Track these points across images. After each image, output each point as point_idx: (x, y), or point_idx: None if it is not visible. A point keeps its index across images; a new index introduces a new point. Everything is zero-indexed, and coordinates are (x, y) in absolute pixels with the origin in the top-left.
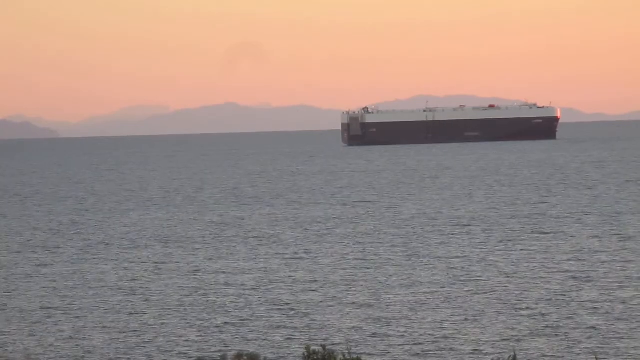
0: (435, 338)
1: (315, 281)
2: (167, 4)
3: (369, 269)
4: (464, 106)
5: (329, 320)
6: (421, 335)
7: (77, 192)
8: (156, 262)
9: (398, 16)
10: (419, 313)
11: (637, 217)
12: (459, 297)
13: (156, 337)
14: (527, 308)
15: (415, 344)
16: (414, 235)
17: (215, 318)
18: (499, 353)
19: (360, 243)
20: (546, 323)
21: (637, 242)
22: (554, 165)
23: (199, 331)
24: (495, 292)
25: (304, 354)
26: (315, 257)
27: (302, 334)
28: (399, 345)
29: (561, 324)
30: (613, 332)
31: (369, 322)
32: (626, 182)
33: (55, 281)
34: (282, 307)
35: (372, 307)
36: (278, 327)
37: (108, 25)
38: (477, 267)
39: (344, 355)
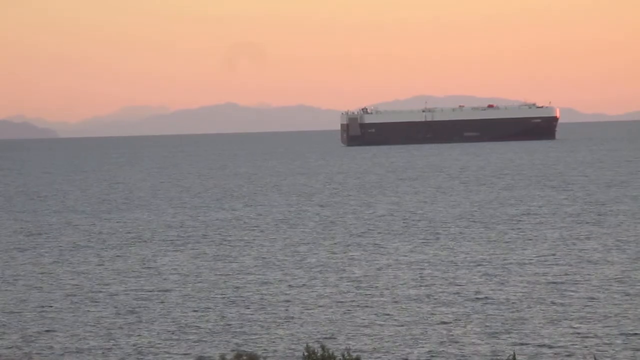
0: (435, 338)
1: (314, 281)
2: (167, 4)
3: (368, 268)
4: (463, 106)
5: (328, 320)
6: (420, 335)
7: (61, 192)
8: (153, 263)
9: (398, 16)
10: (418, 313)
11: (624, 218)
12: (458, 296)
13: (155, 337)
14: (527, 307)
15: (414, 344)
16: (411, 235)
17: (214, 318)
18: (499, 353)
19: (358, 243)
20: (545, 323)
21: (626, 241)
22: (546, 165)
23: (199, 331)
24: (495, 291)
25: (303, 353)
26: (314, 256)
27: (302, 334)
28: (399, 345)
29: (560, 324)
30: (612, 332)
31: (369, 322)
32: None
33: (48, 281)
34: (281, 307)
35: (372, 307)
36: (277, 327)
37: (108, 25)
38: (475, 267)
39: (343, 355)
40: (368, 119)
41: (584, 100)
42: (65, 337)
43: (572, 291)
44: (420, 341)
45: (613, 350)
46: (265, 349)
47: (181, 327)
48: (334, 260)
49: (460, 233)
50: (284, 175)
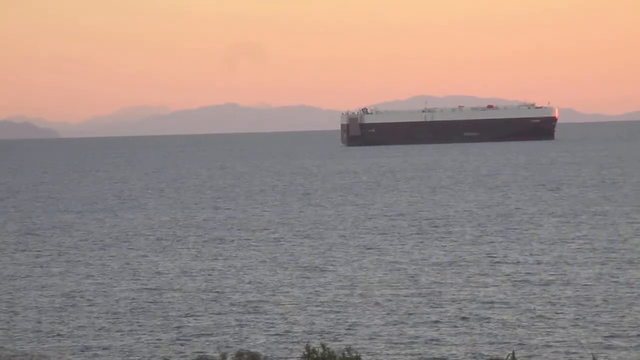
0: (434, 337)
1: (314, 280)
2: (168, 4)
3: (366, 268)
4: (462, 106)
5: (328, 320)
6: (420, 334)
7: (58, 192)
8: (150, 263)
9: (398, 16)
10: (417, 312)
11: (619, 217)
12: (456, 296)
13: (156, 337)
14: (525, 307)
15: (414, 344)
16: (409, 235)
17: (214, 318)
18: (498, 352)
19: (356, 243)
20: (543, 323)
21: (621, 241)
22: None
23: (199, 331)
24: (494, 291)
25: (303, 353)
26: (314, 256)
27: (302, 333)
28: (398, 344)
29: (559, 324)
30: (610, 332)
31: (368, 321)
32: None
33: (44, 281)
34: (281, 307)
35: (371, 307)
36: (277, 327)
37: (108, 25)
38: (472, 267)
39: (343, 355)
40: (368, 119)
41: (583, 100)
42: (64, 338)
43: (570, 291)
44: (419, 341)
45: (612, 350)
46: (265, 349)
47: (181, 327)
48: (333, 260)
49: (458, 233)
50: (282, 176)
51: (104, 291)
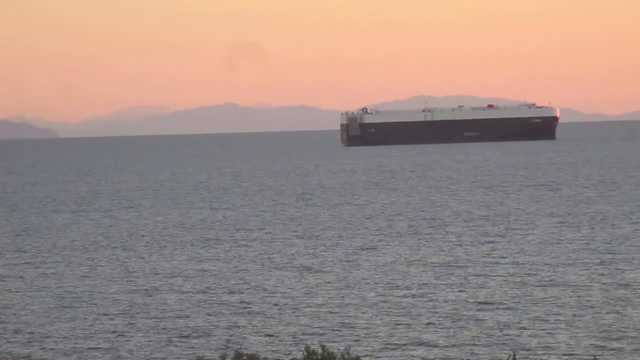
0: (433, 338)
1: (313, 281)
2: (167, 4)
3: (365, 269)
4: (462, 106)
5: (327, 321)
6: (419, 335)
7: (52, 193)
8: (148, 263)
9: (398, 16)
10: (416, 313)
11: (617, 218)
12: (457, 297)
13: (155, 337)
14: (525, 308)
15: (413, 345)
16: (406, 235)
17: (213, 318)
18: (498, 354)
19: (354, 244)
20: (544, 324)
21: (619, 241)
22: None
23: (198, 332)
24: (493, 292)
25: (303, 353)
26: (311, 257)
27: (302, 334)
28: (398, 345)
29: (559, 325)
30: (611, 332)
31: (367, 322)
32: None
33: (44, 282)
34: (281, 307)
35: (370, 308)
36: (278, 327)
37: (108, 25)
38: (471, 267)
39: (343, 355)
40: (368, 119)
41: (584, 100)
42: (58, 339)
43: (570, 291)
44: (419, 342)
45: (613, 351)
46: (264, 350)
47: (179, 328)
48: (331, 261)
49: (457, 233)
50: (280, 175)
51: (99, 292)
